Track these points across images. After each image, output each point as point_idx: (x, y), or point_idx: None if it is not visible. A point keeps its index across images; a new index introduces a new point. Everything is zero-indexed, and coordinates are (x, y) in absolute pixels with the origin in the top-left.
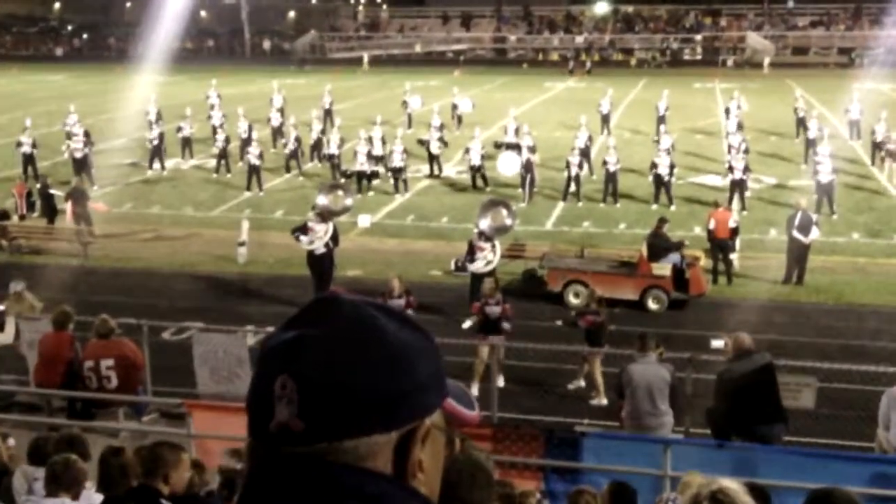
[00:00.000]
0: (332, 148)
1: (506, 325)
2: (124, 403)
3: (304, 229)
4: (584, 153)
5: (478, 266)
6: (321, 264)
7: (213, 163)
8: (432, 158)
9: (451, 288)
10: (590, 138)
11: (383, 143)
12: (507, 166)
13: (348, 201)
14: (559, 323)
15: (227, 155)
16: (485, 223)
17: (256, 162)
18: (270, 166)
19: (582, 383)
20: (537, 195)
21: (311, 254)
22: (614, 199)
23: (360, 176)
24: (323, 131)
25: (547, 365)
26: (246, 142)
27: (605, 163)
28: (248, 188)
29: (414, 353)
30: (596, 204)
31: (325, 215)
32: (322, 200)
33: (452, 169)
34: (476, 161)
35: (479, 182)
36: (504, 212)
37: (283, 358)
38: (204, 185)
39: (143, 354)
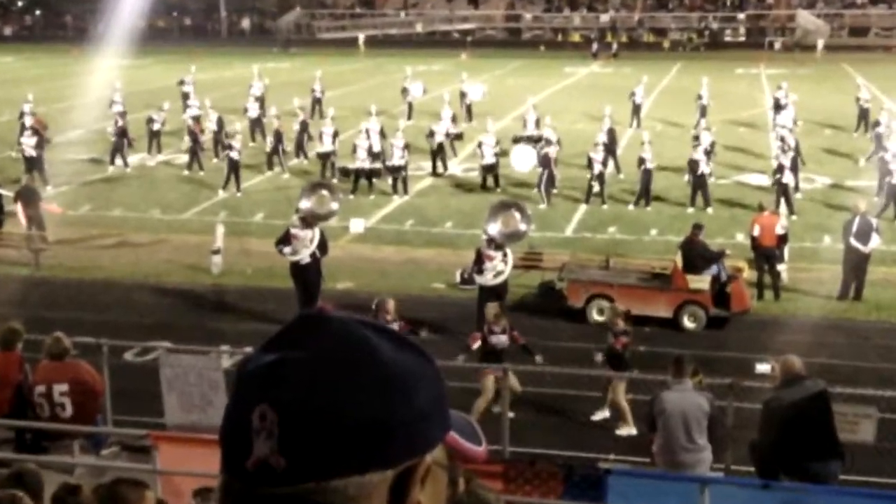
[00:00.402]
0: (326, 143)
1: (517, 337)
2: (80, 435)
3: (286, 239)
4: (610, 148)
5: (487, 278)
6: (307, 276)
7: (183, 158)
8: (436, 154)
9: (457, 303)
10: (611, 131)
11: (382, 136)
12: (522, 162)
13: (334, 204)
14: (599, 358)
15: (201, 150)
16: (495, 228)
17: (236, 157)
18: (249, 163)
19: (607, 413)
20: (556, 196)
21: (295, 264)
22: (646, 202)
23: (359, 175)
24: (305, 124)
25: (565, 391)
26: (218, 135)
27: (641, 161)
28: (224, 188)
29: (412, 378)
30: (623, 206)
31: (309, 220)
32: (305, 203)
33: (458, 166)
34: (489, 159)
35: (490, 181)
36: (517, 215)
37: (262, 384)
38: (173, 183)
39: (102, 378)
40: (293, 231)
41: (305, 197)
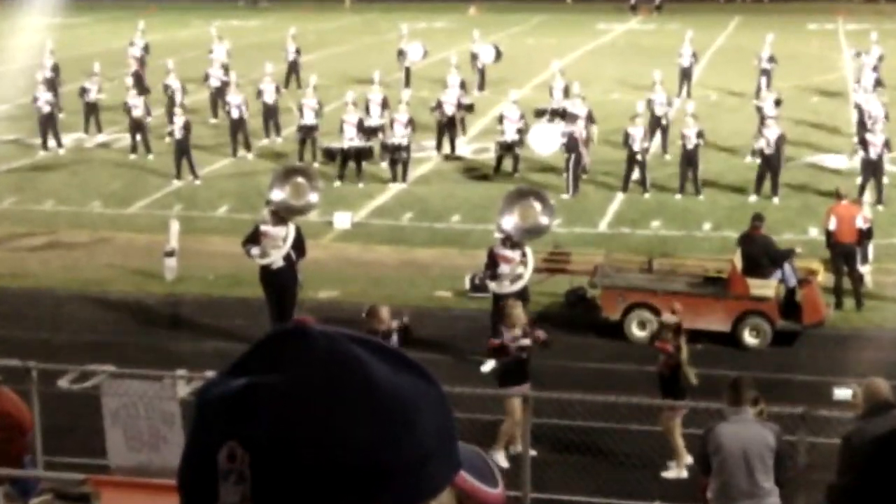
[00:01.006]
0: (306, 117)
1: (539, 335)
2: (4, 480)
3: (255, 237)
4: (654, 124)
5: (502, 284)
6: (280, 283)
7: (128, 139)
8: (443, 131)
9: (466, 315)
10: (651, 103)
11: (384, 107)
12: (543, 142)
13: (313, 194)
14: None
15: (147, 127)
16: (511, 223)
17: (179, 135)
18: (210, 143)
19: (684, 472)
20: (586, 183)
21: (265, 269)
22: (695, 189)
23: (347, 156)
24: (278, 91)
25: (598, 423)
26: (170, 106)
27: (682, 137)
28: (179, 175)
29: (414, 407)
30: (670, 195)
31: (282, 214)
32: (278, 194)
33: (467, 146)
34: (511, 135)
35: (507, 164)
36: (537, 206)
37: (230, 416)
38: (116, 170)
39: (30, 411)
40: (263, 228)
41: (277, 185)
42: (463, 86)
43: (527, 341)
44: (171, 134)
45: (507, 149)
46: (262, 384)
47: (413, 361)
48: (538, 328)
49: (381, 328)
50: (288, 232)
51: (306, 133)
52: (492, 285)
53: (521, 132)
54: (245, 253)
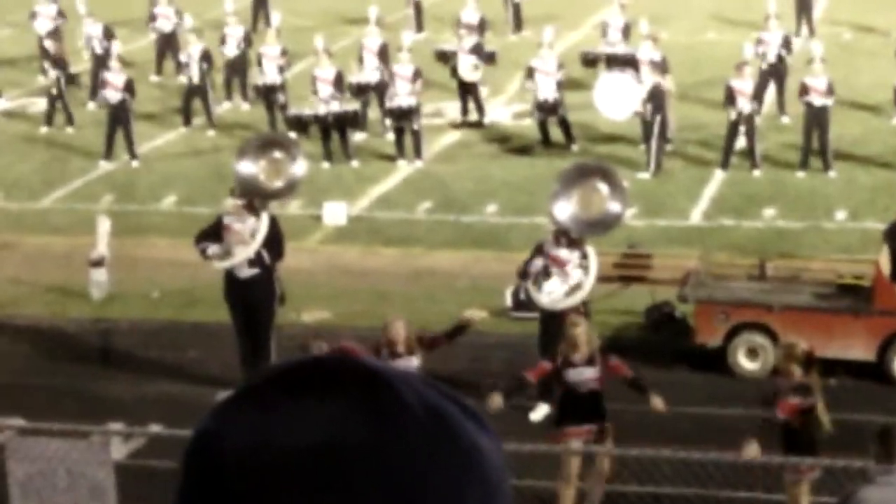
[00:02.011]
0: (269, 73)
1: (618, 368)
2: None
3: (215, 232)
4: (767, 74)
5: (553, 297)
6: (252, 297)
7: (42, 106)
8: (466, 90)
9: (507, 343)
10: (761, 45)
11: (382, 56)
12: (614, 101)
13: (297, 168)
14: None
15: (65, 92)
16: (567, 211)
17: (116, 98)
18: (152, 110)
19: None
20: (672, 157)
21: (232, 278)
22: (824, 163)
23: (327, 124)
24: (245, 44)
25: (696, 491)
26: (99, 63)
27: (805, 92)
28: (109, 154)
29: (504, 474)
30: (789, 172)
31: (251, 201)
32: (247, 167)
33: (505, 109)
34: (547, 93)
35: (557, 133)
36: (603, 189)
37: (304, 484)
38: (24, 149)
39: None
40: (226, 221)
41: (246, 160)
42: (482, 26)
43: (593, 374)
44: (97, 97)
45: (548, 110)
46: (350, 442)
47: (481, 414)
48: (614, 359)
49: (399, 352)
50: (258, 225)
51: (266, 93)
52: (539, 299)
53: (561, 86)
54: (199, 253)
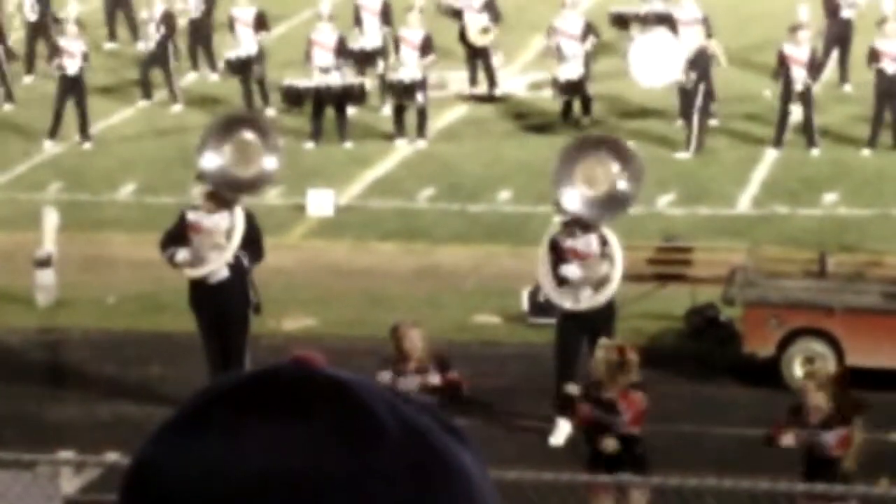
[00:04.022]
0: (243, 41)
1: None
2: None
3: (180, 233)
4: (831, 37)
5: (577, 295)
6: (223, 304)
7: None
8: (476, 56)
9: (524, 354)
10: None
11: (385, 17)
12: (651, 65)
13: (269, 159)
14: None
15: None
16: (574, 196)
17: (75, 71)
18: (106, 82)
19: None
20: (716, 133)
21: (200, 283)
22: (895, 141)
23: (322, 99)
24: (209, 5)
25: None
26: (36, 30)
27: (874, 58)
28: (54, 132)
29: (494, 502)
30: (853, 151)
31: (222, 193)
32: (212, 159)
33: (519, 78)
34: (571, 70)
35: (577, 109)
36: (612, 163)
37: None
38: None
39: None
40: (192, 218)
41: (211, 146)
42: None
43: (626, 410)
44: (57, 61)
45: (569, 87)
46: (318, 469)
47: (456, 425)
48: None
49: (408, 360)
50: (233, 222)
51: (241, 68)
52: (557, 298)
53: (590, 55)
54: (167, 261)
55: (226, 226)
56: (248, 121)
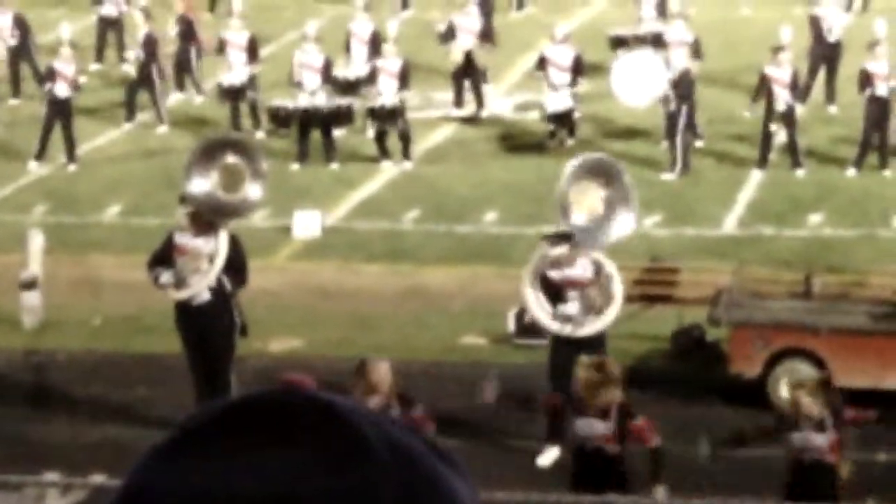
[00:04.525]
0: (235, 66)
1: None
2: None
3: (166, 255)
4: (820, 59)
5: (570, 322)
6: (207, 327)
7: None
8: (463, 77)
9: (511, 374)
10: (816, 21)
11: (374, 45)
12: (634, 84)
13: (254, 184)
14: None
15: None
16: (571, 217)
17: (64, 93)
18: (91, 104)
19: None
20: (701, 154)
21: (185, 306)
22: (881, 160)
23: (308, 121)
24: (188, 27)
25: None
26: (16, 54)
27: (864, 78)
28: (41, 153)
29: None
30: (838, 172)
31: (207, 217)
32: (199, 184)
33: (506, 99)
34: (559, 102)
35: (563, 132)
36: (600, 191)
37: None
38: None
39: None
40: (179, 240)
41: (197, 170)
42: (484, 2)
43: (603, 430)
44: (49, 86)
45: (555, 120)
46: (308, 492)
47: (447, 450)
48: (639, 420)
49: (377, 402)
50: (217, 245)
51: (234, 95)
52: (545, 323)
53: (576, 73)
54: (152, 281)
55: (209, 249)
56: (236, 145)
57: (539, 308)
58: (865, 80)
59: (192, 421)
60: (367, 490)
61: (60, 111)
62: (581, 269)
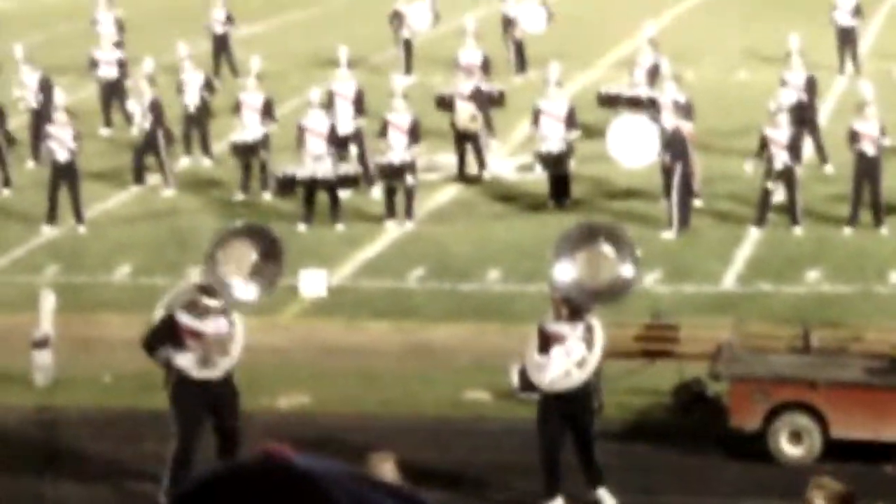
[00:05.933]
0: (250, 127)
1: None
2: None
3: (170, 335)
4: (804, 118)
5: (552, 376)
6: (218, 395)
7: None
8: (464, 141)
9: (515, 429)
10: (810, 83)
11: (358, 104)
12: (629, 146)
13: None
14: None
15: (6, 146)
16: (567, 276)
17: (65, 157)
18: (100, 168)
19: None
20: (700, 214)
21: (199, 383)
22: (876, 218)
23: (312, 188)
24: (209, 87)
25: None
26: (39, 117)
27: (853, 137)
28: (52, 217)
29: None
30: (834, 229)
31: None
32: (215, 272)
33: (508, 161)
34: (554, 145)
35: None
36: (609, 252)
37: None
38: None
39: None
40: (192, 324)
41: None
42: (485, 66)
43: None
44: (39, 155)
45: (552, 162)
46: None
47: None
48: None
49: None
50: (233, 330)
51: (247, 152)
52: (538, 379)
53: (570, 143)
54: (160, 363)
55: (227, 331)
56: (252, 231)
57: (528, 358)
58: (853, 137)
59: (182, 491)
60: None
61: (63, 174)
62: (570, 324)
